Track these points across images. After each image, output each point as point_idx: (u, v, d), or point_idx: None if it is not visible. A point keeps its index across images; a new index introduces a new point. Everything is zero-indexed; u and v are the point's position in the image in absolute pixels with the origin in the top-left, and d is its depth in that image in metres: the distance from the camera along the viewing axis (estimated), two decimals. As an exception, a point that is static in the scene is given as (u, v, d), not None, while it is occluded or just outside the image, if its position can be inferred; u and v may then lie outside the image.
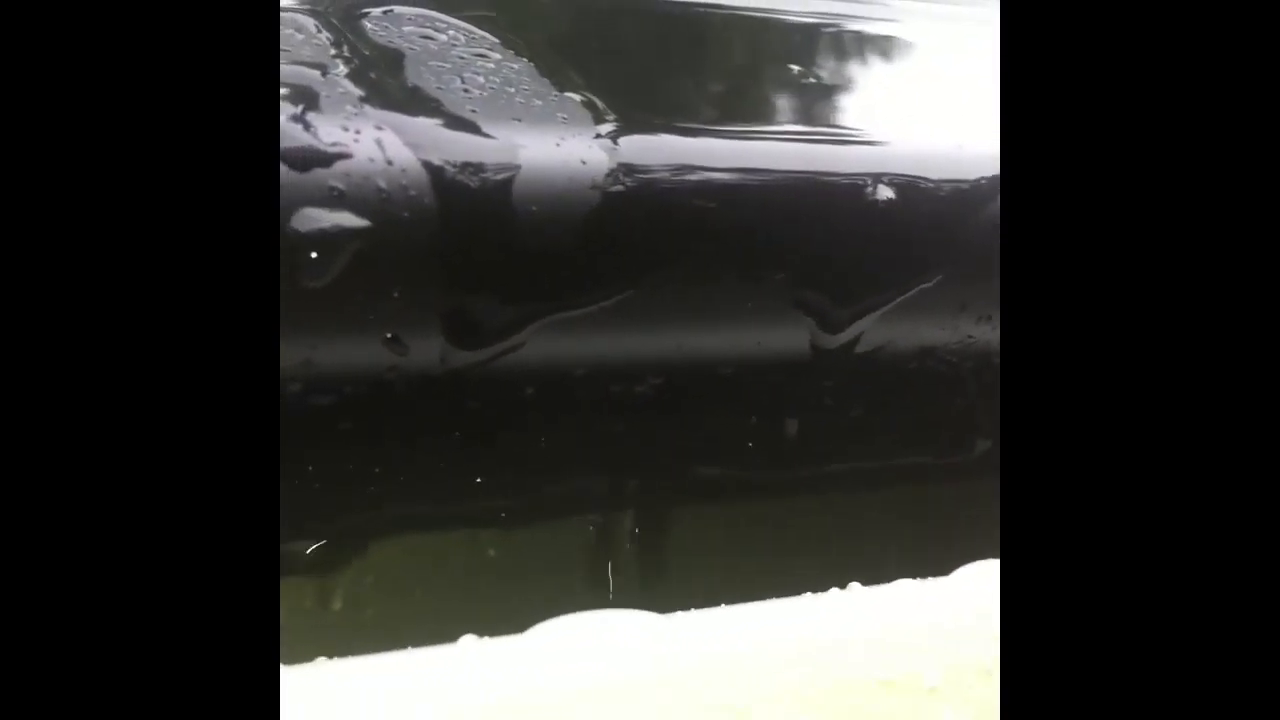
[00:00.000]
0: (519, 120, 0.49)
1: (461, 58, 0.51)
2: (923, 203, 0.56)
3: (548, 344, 0.50)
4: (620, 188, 0.50)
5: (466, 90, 0.49)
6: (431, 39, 0.52)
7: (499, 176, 0.47)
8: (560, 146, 0.49)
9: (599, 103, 0.52)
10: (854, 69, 0.65)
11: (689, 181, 0.51)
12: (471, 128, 0.47)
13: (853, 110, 0.61)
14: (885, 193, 0.55)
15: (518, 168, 0.47)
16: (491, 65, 0.51)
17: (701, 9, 0.68)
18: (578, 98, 0.52)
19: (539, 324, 0.49)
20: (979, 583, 0.58)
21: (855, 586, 0.57)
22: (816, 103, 0.60)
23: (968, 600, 0.57)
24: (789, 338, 0.55)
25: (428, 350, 0.47)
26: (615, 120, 0.51)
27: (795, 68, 0.62)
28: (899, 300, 0.56)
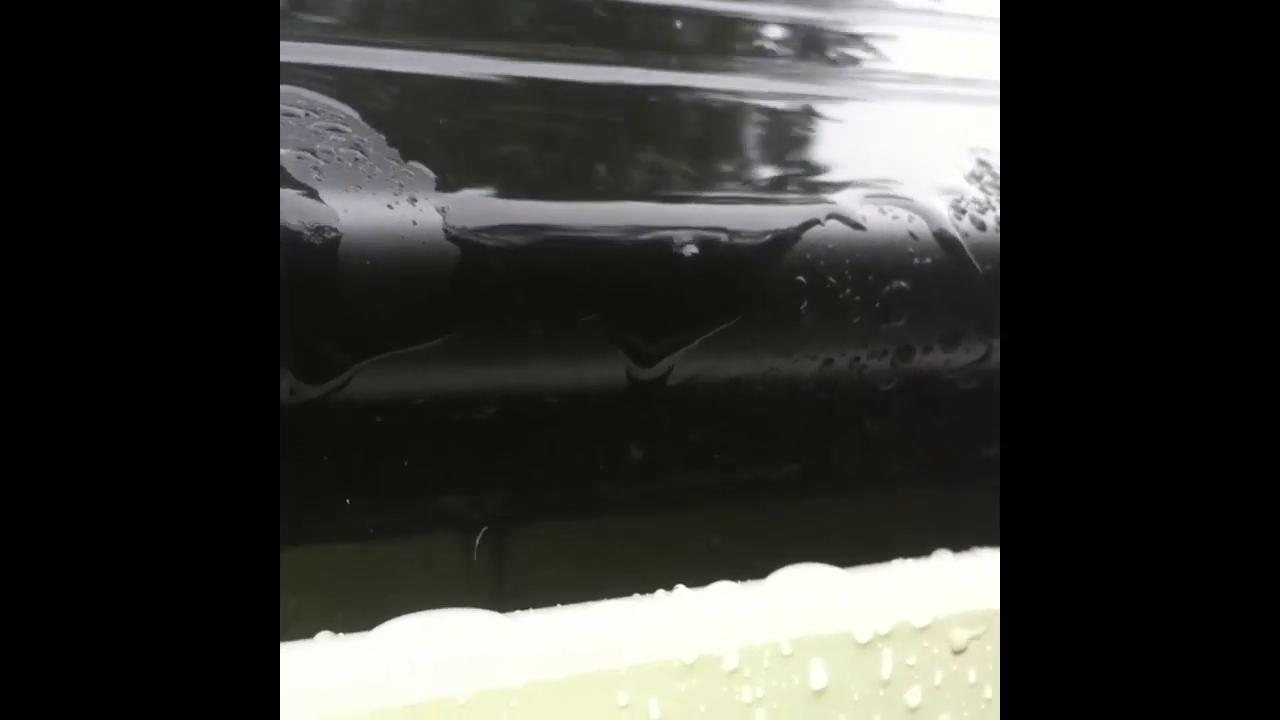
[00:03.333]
0: (359, 187, 0.57)
1: (315, 131, 0.60)
2: (724, 254, 0.65)
3: (386, 378, 0.58)
4: (447, 245, 0.58)
5: (314, 160, 0.58)
6: (291, 115, 0.61)
7: (329, 236, 0.55)
8: (393, 209, 0.57)
9: (438, 171, 0.61)
10: (666, 137, 0.75)
11: (510, 239, 0.60)
12: (312, 194, 0.56)
13: (665, 171, 0.70)
14: (690, 248, 0.64)
15: (351, 228, 0.56)
16: (342, 138, 0.60)
17: (549, 84, 0.77)
18: (422, 166, 0.60)
19: (374, 359, 0.57)
20: (790, 582, 0.66)
21: (680, 589, 0.65)
22: (635, 167, 0.69)
23: (776, 597, 0.65)
24: (607, 370, 0.63)
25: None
26: (450, 186, 0.60)
27: (626, 140, 0.71)
28: (704, 338, 0.65)
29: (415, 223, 0.58)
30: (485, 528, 0.62)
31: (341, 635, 0.58)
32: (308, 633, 0.58)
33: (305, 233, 0.55)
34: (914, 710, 0.65)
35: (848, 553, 0.69)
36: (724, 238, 0.65)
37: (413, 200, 0.58)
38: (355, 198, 0.57)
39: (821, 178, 0.73)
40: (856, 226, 0.69)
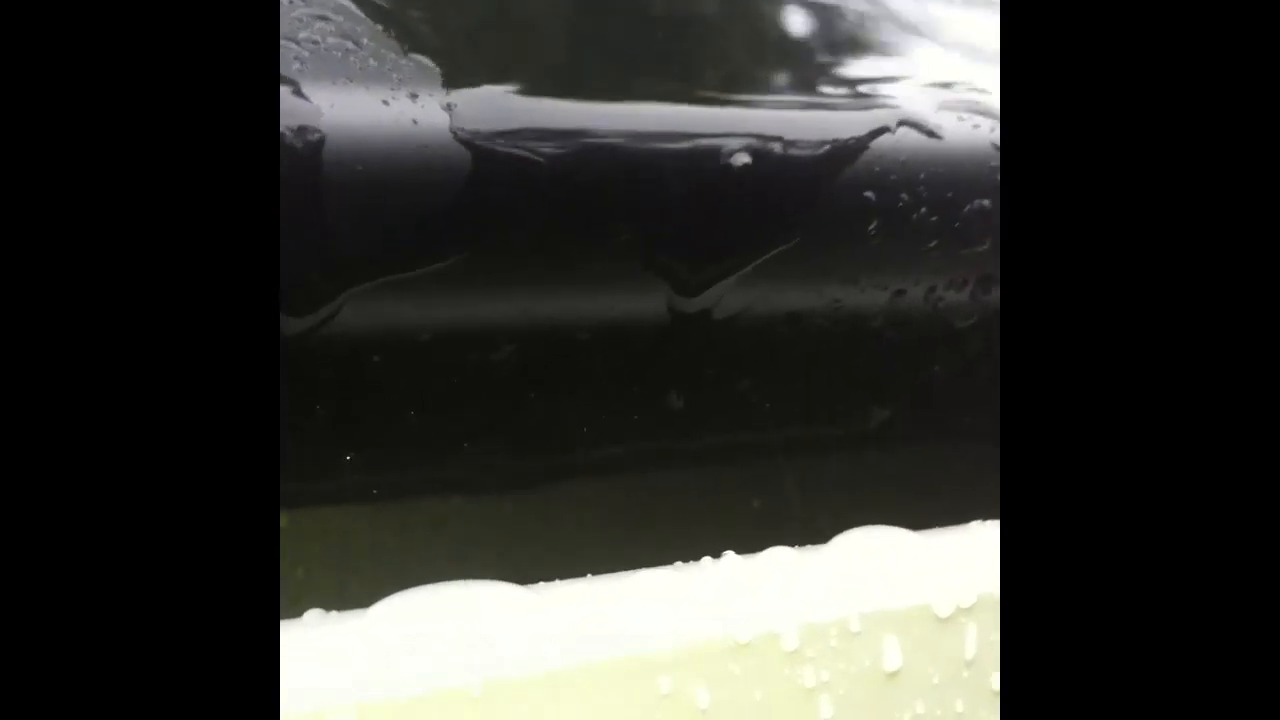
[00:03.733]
0: (349, 80, 0.48)
1: (300, 19, 0.50)
2: (780, 165, 0.56)
3: (384, 308, 0.49)
4: (455, 149, 0.49)
5: (297, 50, 0.48)
6: None
7: (312, 137, 0.46)
8: (389, 106, 0.48)
9: (445, 65, 0.51)
10: (713, 26, 0.65)
11: (530, 144, 0.50)
12: (292, 88, 0.46)
13: (712, 70, 0.60)
14: (741, 158, 0.55)
15: (338, 127, 0.46)
16: (331, 27, 0.51)
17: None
18: (425, 60, 0.51)
19: (369, 285, 0.48)
20: (855, 548, 0.57)
21: (728, 555, 0.56)
22: (674, 62, 0.59)
23: (840, 565, 0.56)
24: (646, 301, 0.54)
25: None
26: (459, 81, 0.51)
27: (660, 32, 0.62)
28: (757, 263, 0.55)
29: (416, 122, 0.48)
30: (503, 487, 0.53)
31: (335, 614, 0.49)
32: (295, 610, 0.49)
33: (285, 134, 0.45)
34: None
35: (921, 513, 0.60)
36: (779, 147, 0.56)
37: (413, 96, 0.49)
38: (344, 92, 0.47)
39: (891, 79, 0.63)
40: (932, 135, 0.60)
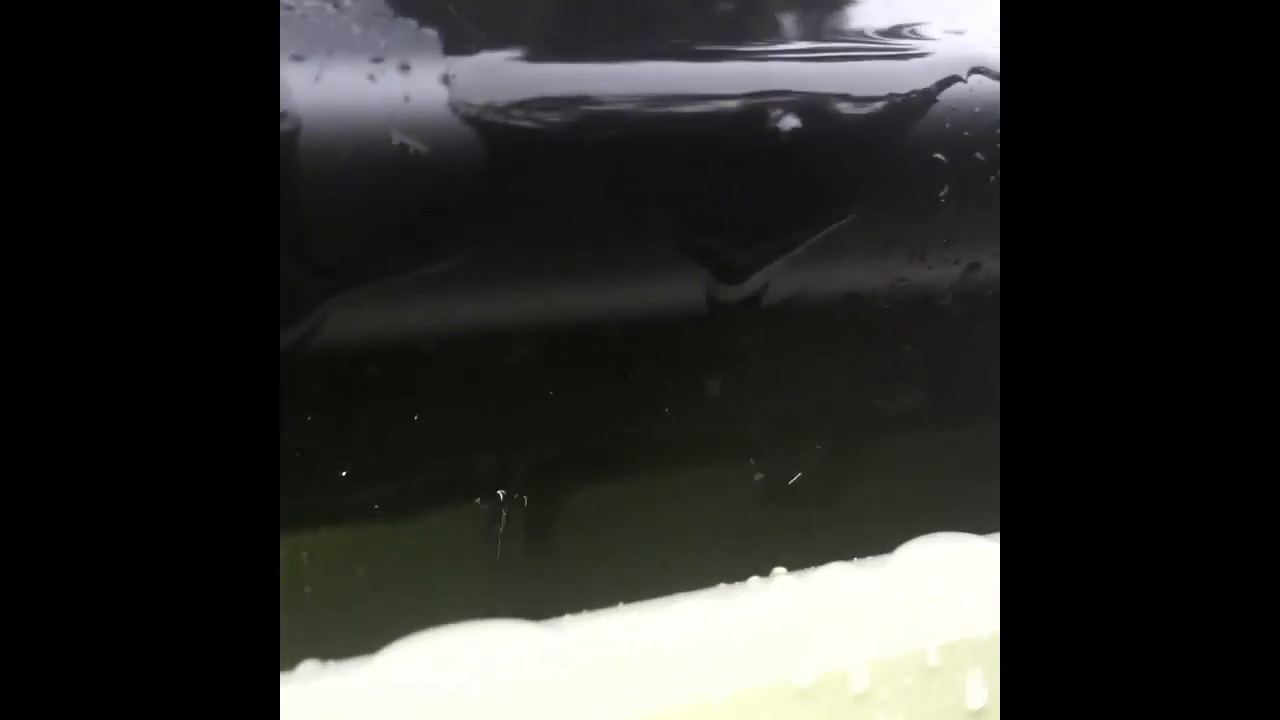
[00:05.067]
0: (328, 53, 0.41)
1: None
2: (834, 127, 0.48)
3: (378, 317, 0.42)
4: (457, 127, 0.42)
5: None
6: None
7: (286, 125, 0.39)
8: (375, 82, 0.41)
9: (442, 29, 0.44)
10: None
11: (545, 116, 0.43)
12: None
13: (753, 19, 0.52)
14: (789, 121, 0.47)
15: (315, 110, 0.39)
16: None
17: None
18: (418, 23, 0.44)
19: (360, 291, 0.41)
20: (924, 561, 0.51)
21: (779, 573, 0.49)
22: (708, 13, 0.52)
23: (909, 583, 0.50)
24: (680, 292, 0.47)
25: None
26: (461, 47, 0.43)
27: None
28: (810, 242, 0.48)
29: (408, 98, 0.41)
30: (519, 501, 0.47)
31: (333, 664, 0.43)
32: (287, 662, 0.43)
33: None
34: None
35: (997, 516, 0.53)
36: (834, 105, 0.49)
37: (404, 68, 0.42)
38: (321, 67, 0.40)
39: (961, 21, 0.55)
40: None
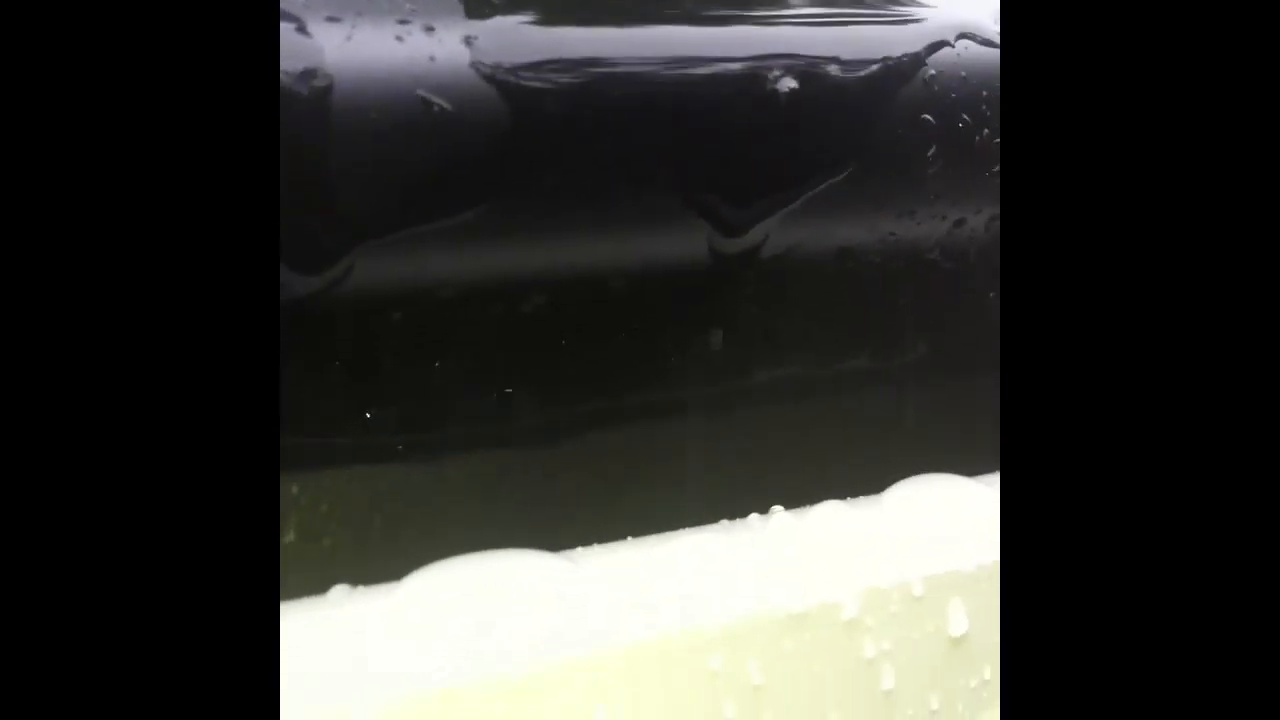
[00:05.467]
0: (358, 14, 0.43)
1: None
2: (829, 89, 0.51)
3: (405, 262, 0.45)
4: (478, 86, 0.44)
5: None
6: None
7: (319, 82, 0.41)
8: (403, 42, 0.43)
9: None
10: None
11: (559, 77, 0.46)
12: (298, 25, 0.42)
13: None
14: (786, 83, 0.50)
15: (348, 68, 0.42)
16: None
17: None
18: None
19: (386, 239, 0.43)
20: (912, 500, 0.54)
21: (777, 510, 0.52)
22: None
23: (898, 520, 0.53)
24: (684, 243, 0.50)
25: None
26: (481, 11, 0.46)
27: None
28: (805, 198, 0.51)
29: (434, 58, 0.44)
30: (534, 442, 0.50)
31: (361, 589, 0.46)
32: (319, 586, 0.46)
33: (287, 78, 0.41)
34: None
35: (983, 459, 0.56)
36: (828, 68, 0.51)
37: (429, 29, 0.44)
38: (352, 28, 0.43)
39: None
40: (995, 48, 0.54)
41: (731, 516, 0.52)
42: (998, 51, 0.55)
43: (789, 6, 0.52)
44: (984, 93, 0.54)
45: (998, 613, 0.48)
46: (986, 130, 0.53)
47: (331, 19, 0.43)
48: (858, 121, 0.52)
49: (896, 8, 0.55)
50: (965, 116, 0.53)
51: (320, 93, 0.42)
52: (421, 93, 0.43)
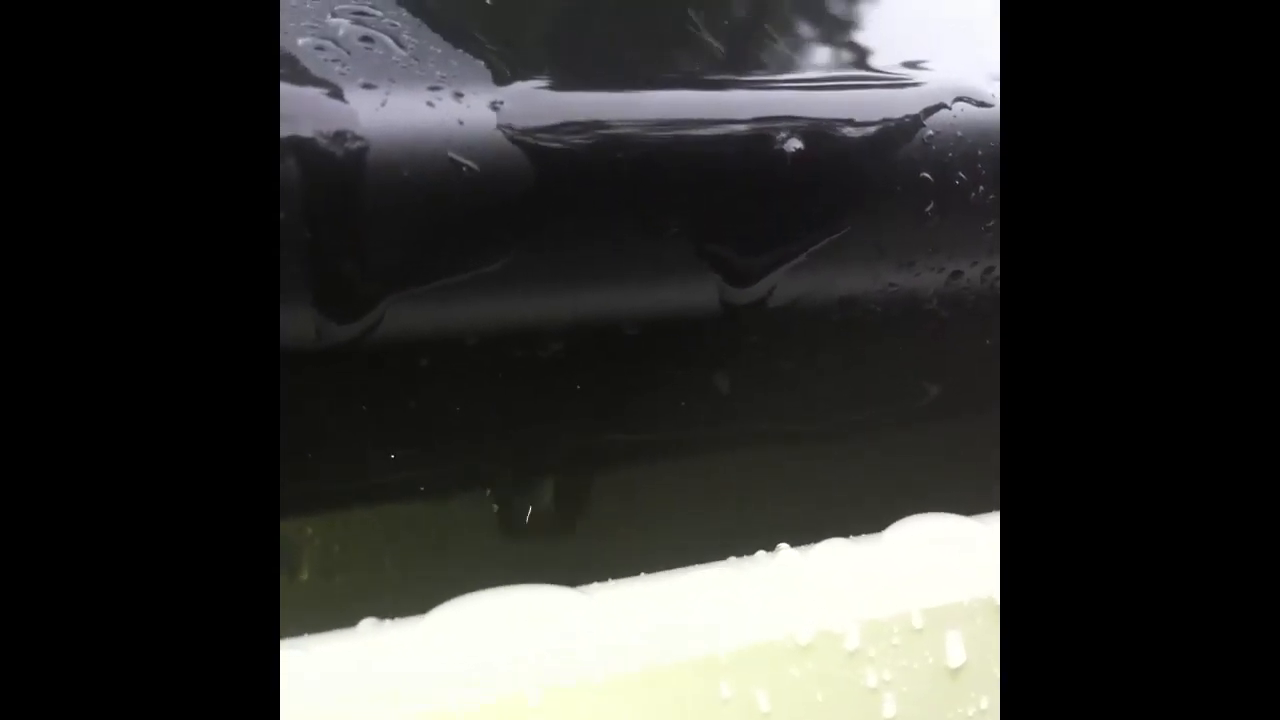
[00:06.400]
0: (392, 81, 0.47)
1: (337, 15, 0.49)
2: (833, 148, 0.54)
3: (431, 313, 0.48)
4: (504, 147, 0.47)
5: (335, 51, 0.47)
6: (309, -2, 0.50)
7: (354, 145, 0.44)
8: (434, 108, 0.47)
9: (491, 62, 0.50)
10: (760, 10, 0.63)
11: (577, 139, 0.49)
12: (334, 92, 0.45)
13: (760, 52, 0.58)
14: (793, 144, 0.53)
15: (382, 132, 0.45)
16: (371, 23, 0.49)
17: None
18: (471, 56, 0.50)
19: (414, 290, 0.46)
20: (911, 538, 0.56)
21: (783, 548, 0.55)
22: (721, 46, 0.57)
23: (898, 557, 0.55)
24: (696, 293, 0.53)
25: (303, 325, 0.45)
26: (507, 78, 0.49)
27: (704, 13, 0.60)
28: (810, 251, 0.54)
29: (462, 123, 0.47)
30: (551, 484, 0.53)
31: (389, 622, 0.48)
32: (349, 620, 0.48)
33: (322, 140, 0.44)
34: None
35: (980, 498, 0.59)
36: (832, 129, 0.54)
37: (458, 95, 0.47)
38: (387, 94, 0.46)
39: (945, 52, 0.61)
40: (991, 108, 0.58)
41: (739, 553, 0.54)
42: (992, 113, 0.57)
43: (796, 70, 0.56)
44: (979, 151, 0.57)
45: (995, 644, 0.51)
46: (981, 187, 0.56)
47: (369, 87, 0.46)
48: (859, 179, 0.55)
49: (896, 72, 0.58)
50: (961, 174, 0.56)
51: (356, 152, 0.45)
52: (450, 154, 0.46)
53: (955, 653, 0.52)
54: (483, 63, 0.49)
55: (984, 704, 0.53)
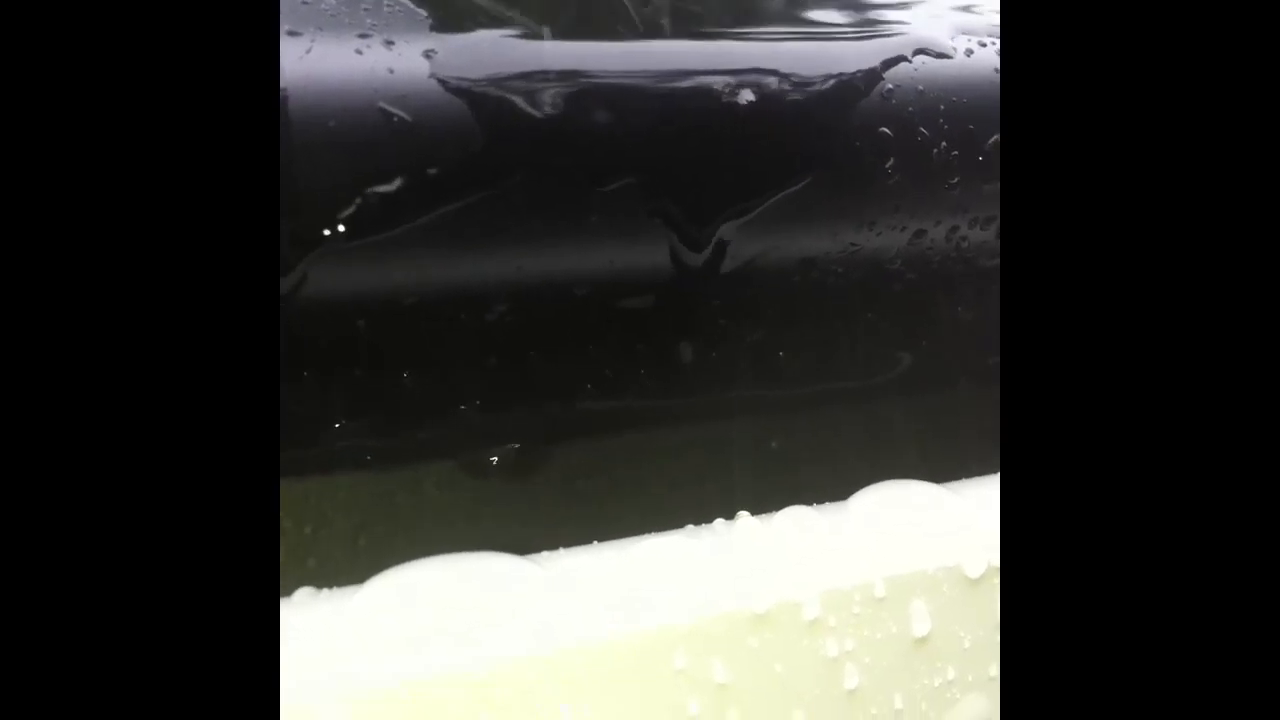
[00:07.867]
0: (318, 29, 0.45)
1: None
2: (787, 101, 0.52)
3: (371, 270, 0.45)
4: (438, 97, 0.45)
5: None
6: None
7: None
8: (363, 55, 0.45)
9: (425, 10, 0.48)
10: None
11: (518, 88, 0.47)
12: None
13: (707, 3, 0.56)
14: (745, 95, 0.51)
15: (304, 80, 0.43)
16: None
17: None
18: (407, 3, 0.48)
19: (349, 245, 0.44)
20: (877, 505, 0.54)
21: (743, 515, 0.53)
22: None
23: (862, 524, 0.53)
24: (647, 253, 0.51)
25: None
26: (443, 24, 0.47)
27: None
28: (763, 208, 0.52)
29: (393, 71, 0.45)
30: (501, 450, 0.50)
31: (326, 591, 0.46)
32: (284, 588, 0.46)
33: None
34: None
35: (946, 466, 0.57)
36: (786, 82, 0.52)
37: (389, 43, 0.45)
38: (311, 41, 0.44)
39: (905, 4, 0.59)
40: (950, 59, 0.56)
41: (697, 522, 0.52)
42: (954, 65, 0.56)
43: (751, 24, 0.54)
44: (941, 106, 0.55)
45: (962, 614, 0.49)
46: (944, 143, 0.54)
47: (293, 34, 0.44)
48: (817, 134, 0.53)
49: (857, 24, 0.56)
50: (923, 129, 0.54)
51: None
52: (379, 103, 0.44)
53: (920, 622, 0.50)
54: (421, 11, 0.47)
55: (950, 674, 0.51)
